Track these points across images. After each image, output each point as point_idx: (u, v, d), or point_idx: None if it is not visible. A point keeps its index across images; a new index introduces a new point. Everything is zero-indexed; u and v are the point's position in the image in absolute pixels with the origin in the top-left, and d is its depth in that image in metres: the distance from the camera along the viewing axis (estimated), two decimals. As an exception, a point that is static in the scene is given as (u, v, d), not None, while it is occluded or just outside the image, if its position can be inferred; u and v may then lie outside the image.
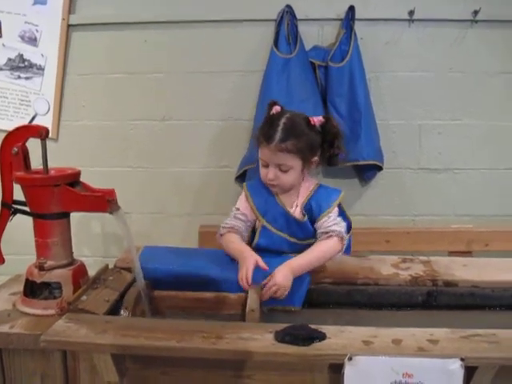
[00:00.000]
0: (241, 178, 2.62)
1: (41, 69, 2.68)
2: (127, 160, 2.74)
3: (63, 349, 1.36)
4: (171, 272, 1.70)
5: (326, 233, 1.80)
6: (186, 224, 2.76)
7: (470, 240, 2.61)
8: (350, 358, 1.24)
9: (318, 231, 1.82)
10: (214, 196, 2.74)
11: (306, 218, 1.83)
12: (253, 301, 1.52)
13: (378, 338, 1.32)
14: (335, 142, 1.84)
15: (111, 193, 1.50)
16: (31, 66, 2.69)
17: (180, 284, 1.67)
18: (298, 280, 1.68)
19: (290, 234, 1.85)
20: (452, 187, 2.72)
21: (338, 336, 1.33)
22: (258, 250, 1.78)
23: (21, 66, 2.69)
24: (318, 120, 1.82)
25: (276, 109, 1.86)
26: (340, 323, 1.43)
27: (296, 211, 1.86)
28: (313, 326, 1.36)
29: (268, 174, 1.80)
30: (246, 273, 1.60)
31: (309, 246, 1.81)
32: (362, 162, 2.53)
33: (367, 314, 1.71)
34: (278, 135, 1.75)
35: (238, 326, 1.39)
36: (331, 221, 1.81)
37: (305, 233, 1.85)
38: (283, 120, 1.79)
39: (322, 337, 1.31)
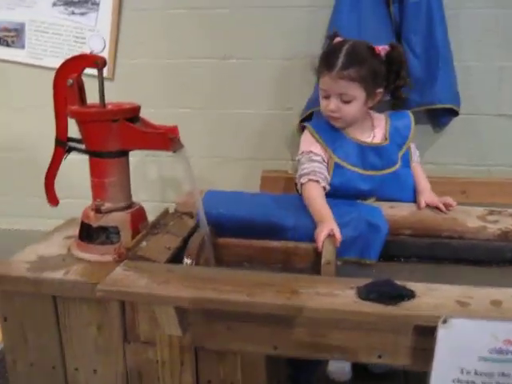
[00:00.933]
0: (306, 121, 2.44)
1: (96, 4, 2.53)
2: (187, 101, 2.58)
3: (121, 299, 1.24)
4: (237, 218, 1.56)
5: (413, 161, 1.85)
6: (248, 168, 2.60)
7: (555, 193, 2.39)
8: (445, 321, 1.09)
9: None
10: (277, 140, 2.56)
11: (387, 141, 1.74)
12: (328, 252, 1.37)
13: (473, 298, 1.17)
14: (401, 72, 1.72)
15: (174, 130, 1.37)
16: (86, 0, 2.54)
17: (247, 231, 1.53)
18: (374, 230, 1.54)
19: (365, 167, 1.71)
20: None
21: (428, 295, 1.17)
22: (335, 194, 1.66)
23: (75, 0, 2.55)
24: (383, 48, 1.70)
25: (338, 39, 1.74)
26: (420, 279, 1.29)
27: (376, 138, 1.76)
28: (399, 283, 1.21)
29: (329, 105, 1.68)
30: (317, 238, 1.44)
31: (387, 177, 1.73)
32: (438, 106, 2.31)
33: (449, 269, 1.56)
34: (340, 62, 1.63)
35: (314, 280, 1.25)
36: (413, 146, 1.85)
37: (384, 160, 1.73)
38: (346, 47, 1.67)
39: (410, 295, 1.16)
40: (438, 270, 1.54)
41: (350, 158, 1.70)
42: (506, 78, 2.41)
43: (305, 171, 1.66)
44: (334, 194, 1.65)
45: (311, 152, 1.70)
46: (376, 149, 1.72)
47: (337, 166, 1.69)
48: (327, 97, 1.69)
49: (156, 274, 1.23)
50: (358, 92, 1.65)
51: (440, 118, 2.46)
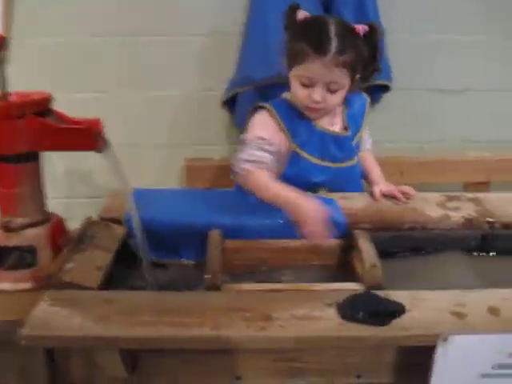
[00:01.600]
0: (229, 103, 2.24)
1: (-19, -27, 2.19)
2: (93, 84, 2.29)
3: (52, 346, 0.99)
4: (177, 223, 1.32)
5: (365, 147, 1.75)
6: (167, 157, 2.37)
7: (489, 169, 2.32)
8: (445, 339, 0.93)
9: (362, 146, 1.71)
10: (197, 124, 2.34)
11: (349, 132, 1.60)
12: (369, 253, 1.18)
13: (467, 306, 1.02)
14: (377, 56, 1.55)
15: (97, 124, 1.13)
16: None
17: (189, 238, 1.31)
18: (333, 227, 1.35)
19: (323, 157, 1.56)
20: (466, 111, 2.40)
21: (418, 306, 1.01)
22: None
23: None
24: (362, 28, 1.51)
25: (304, 14, 1.51)
26: (390, 275, 1.16)
27: (336, 127, 1.61)
28: (380, 293, 1.04)
29: (313, 95, 1.47)
30: (314, 228, 1.23)
31: (344, 170, 1.60)
32: (371, 83, 2.17)
33: (414, 262, 1.40)
34: (334, 45, 1.42)
35: (284, 297, 1.05)
36: (366, 133, 1.74)
37: (345, 152, 1.60)
38: (332, 26, 1.45)
39: (401, 310, 0.99)
40: (404, 264, 1.39)
41: (309, 146, 1.54)
42: (438, 52, 2.32)
43: (252, 158, 1.44)
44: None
45: (264, 139, 1.49)
46: (337, 139, 1.56)
47: (293, 154, 1.52)
48: (310, 85, 1.47)
49: (91, 308, 0.99)
50: (346, 80, 1.48)
51: (371, 94, 2.31)
